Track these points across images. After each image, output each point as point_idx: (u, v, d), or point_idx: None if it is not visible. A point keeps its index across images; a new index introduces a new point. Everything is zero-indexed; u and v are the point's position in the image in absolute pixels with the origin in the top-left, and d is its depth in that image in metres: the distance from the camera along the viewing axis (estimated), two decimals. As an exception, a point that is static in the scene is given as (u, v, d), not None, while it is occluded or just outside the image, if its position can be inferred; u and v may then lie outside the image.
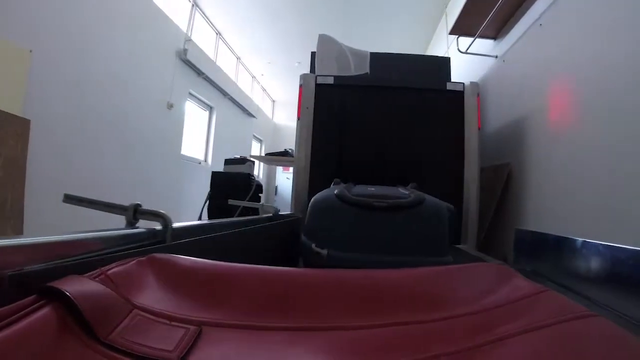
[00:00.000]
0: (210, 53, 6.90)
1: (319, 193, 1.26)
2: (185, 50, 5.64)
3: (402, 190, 1.31)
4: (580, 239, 0.93)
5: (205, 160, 6.69)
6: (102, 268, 0.52)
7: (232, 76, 7.86)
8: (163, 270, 0.61)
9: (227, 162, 3.73)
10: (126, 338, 0.42)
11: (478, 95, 2.60)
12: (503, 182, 2.78)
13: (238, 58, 8.45)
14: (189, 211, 6.01)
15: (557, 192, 2.10)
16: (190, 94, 6.00)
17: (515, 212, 2.65)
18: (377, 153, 2.53)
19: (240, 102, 7.72)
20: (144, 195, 4.82)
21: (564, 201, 2.02)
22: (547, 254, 1.07)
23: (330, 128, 2.55)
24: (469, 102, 2.58)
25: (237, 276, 0.63)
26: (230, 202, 2.03)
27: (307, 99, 2.55)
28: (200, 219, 2.70)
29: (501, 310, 0.58)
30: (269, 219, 1.50)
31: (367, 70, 2.94)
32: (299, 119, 2.54)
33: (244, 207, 2.77)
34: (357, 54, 2.97)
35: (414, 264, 0.83)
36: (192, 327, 0.47)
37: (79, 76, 3.68)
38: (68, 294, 0.40)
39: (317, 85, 2.59)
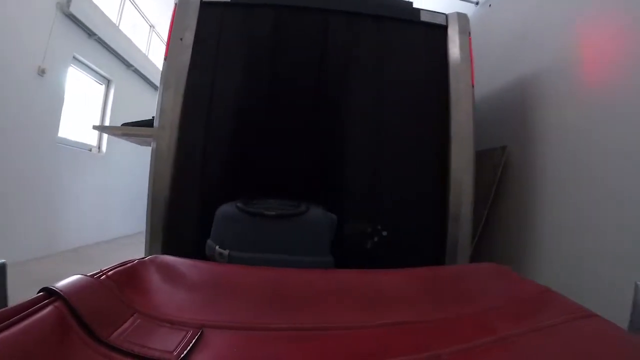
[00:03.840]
0: (112, 15, 5.50)
1: (224, 205, 1.28)
2: (68, 2, 4.26)
3: (293, 203, 1.30)
4: None
5: (99, 148, 5.28)
6: (103, 269, 0.57)
7: (142, 47, 6.48)
8: (165, 271, 0.66)
9: None
10: (127, 339, 0.46)
11: (469, 35, 1.62)
12: (497, 173, 1.92)
13: (152, 26, 7.08)
14: (75, 214, 4.66)
15: (583, 193, 1.44)
16: (75, 59, 4.62)
17: (516, 216, 1.81)
18: (304, 126, 1.49)
19: (150, 78, 6.26)
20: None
21: (595, 207, 1.38)
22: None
23: (222, 78, 1.45)
24: (457, 43, 1.61)
25: (238, 277, 0.69)
26: None
27: (184, 24, 1.43)
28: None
29: (503, 309, 0.63)
30: None
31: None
32: (165, 58, 1.41)
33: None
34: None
35: (297, 262, 1.09)
36: (192, 329, 0.50)
37: None
38: (62, 294, 0.46)
39: (204, 4, 1.47)
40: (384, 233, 1.34)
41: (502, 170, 1.88)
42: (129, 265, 0.63)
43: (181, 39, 1.41)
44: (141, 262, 0.66)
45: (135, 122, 1.73)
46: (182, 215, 1.39)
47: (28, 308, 0.42)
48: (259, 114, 1.47)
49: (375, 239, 1.35)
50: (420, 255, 1.47)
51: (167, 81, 1.37)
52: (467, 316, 0.61)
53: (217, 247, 1.17)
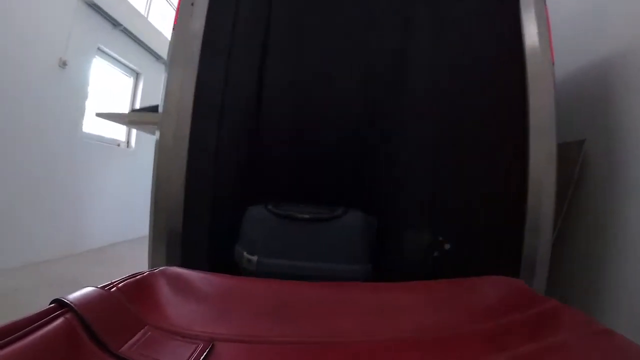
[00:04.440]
0: (139, 7, 5.39)
1: (253, 207, 1.20)
2: (90, -11, 4.16)
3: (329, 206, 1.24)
4: None
5: (128, 143, 5.18)
6: (114, 281, 0.57)
7: (172, 39, 6.35)
8: (175, 283, 0.66)
9: None
10: (138, 352, 0.45)
11: (545, 3, 1.34)
12: (574, 173, 1.58)
13: (181, 18, 6.94)
14: (101, 212, 4.54)
15: None
16: (100, 50, 4.49)
17: (595, 224, 1.50)
18: (344, 113, 1.26)
19: (182, 71, 6.21)
20: (16, 196, 3.40)
21: None
22: None
23: (243, 52, 1.21)
24: (532, 14, 1.31)
25: (247, 290, 0.69)
26: None
27: (196, -13, 1.18)
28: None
29: (514, 325, 0.61)
30: None
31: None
32: (174, 27, 1.17)
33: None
34: None
35: (332, 270, 1.02)
36: (203, 343, 0.50)
37: None
38: (73, 305, 0.45)
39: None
40: (447, 246, 1.08)
41: (580, 168, 1.56)
42: (139, 276, 0.63)
43: (192, 4, 1.17)
44: (151, 274, 0.66)
45: (144, 108, 1.50)
46: (191, 219, 1.17)
47: (39, 319, 0.42)
48: (288, 96, 1.23)
49: (436, 253, 1.09)
50: (487, 272, 1.19)
51: (175, 56, 1.13)
52: (477, 332, 0.60)
53: (245, 253, 1.11)
